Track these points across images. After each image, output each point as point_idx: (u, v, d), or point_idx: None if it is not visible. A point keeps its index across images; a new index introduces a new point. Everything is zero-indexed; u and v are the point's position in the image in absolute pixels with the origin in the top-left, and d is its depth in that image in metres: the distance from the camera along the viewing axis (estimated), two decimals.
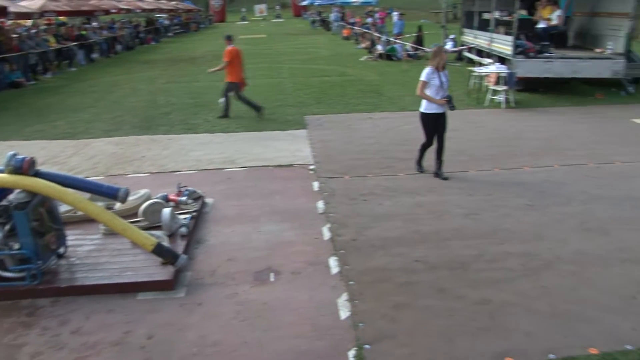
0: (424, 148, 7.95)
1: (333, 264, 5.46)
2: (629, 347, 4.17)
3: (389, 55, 21.15)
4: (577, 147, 9.41)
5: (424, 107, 7.62)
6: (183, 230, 5.95)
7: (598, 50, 14.83)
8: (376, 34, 24.48)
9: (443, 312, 4.63)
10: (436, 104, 7.48)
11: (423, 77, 7.44)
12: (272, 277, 5.23)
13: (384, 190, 7.43)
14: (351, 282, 5.10)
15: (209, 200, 7.14)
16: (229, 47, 11.44)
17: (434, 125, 7.63)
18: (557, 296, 4.88)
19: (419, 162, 8.11)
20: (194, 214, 6.46)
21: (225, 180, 7.95)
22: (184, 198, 6.70)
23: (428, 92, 7.45)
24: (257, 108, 11.60)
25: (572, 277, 5.20)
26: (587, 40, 16.36)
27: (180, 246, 5.65)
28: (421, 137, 7.93)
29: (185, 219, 6.18)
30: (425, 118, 7.66)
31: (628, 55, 14.16)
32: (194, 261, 5.57)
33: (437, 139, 7.78)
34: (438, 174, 7.83)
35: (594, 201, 7.06)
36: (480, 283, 5.09)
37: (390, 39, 23.22)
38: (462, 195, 7.25)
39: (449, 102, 7.42)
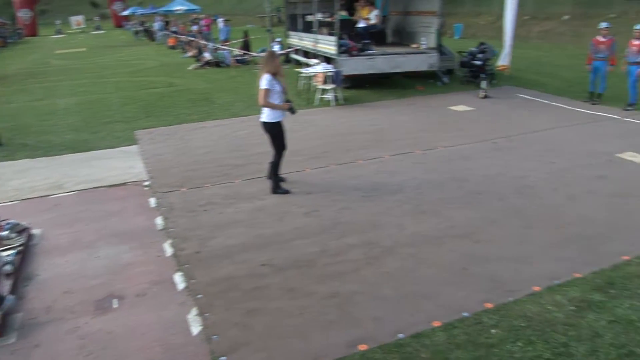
0: (280, 158, 7.41)
1: (179, 280, 5.21)
2: (465, 314, 4.51)
3: (217, 63, 20.93)
4: (405, 137, 9.93)
5: (270, 116, 7.15)
6: (7, 268, 5.31)
7: (414, 46, 15.86)
8: (203, 42, 24.11)
9: (295, 311, 4.62)
10: (281, 111, 7.19)
11: (265, 85, 6.92)
12: (115, 304, 4.85)
13: (222, 198, 7.26)
14: (199, 296, 4.90)
15: (35, 231, 6.45)
16: None
17: (283, 132, 7.35)
18: (400, 279, 5.08)
19: (278, 179, 7.52)
20: (20, 248, 5.81)
21: (53, 207, 7.25)
22: (5, 233, 6.00)
23: (271, 100, 7.20)
24: None
25: (411, 259, 5.45)
26: (403, 37, 17.46)
27: (5, 286, 5.03)
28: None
29: (9, 255, 5.53)
30: (274, 127, 7.25)
31: (440, 49, 15.33)
32: (25, 300, 5.00)
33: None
34: (274, 185, 7.54)
35: (424, 186, 7.48)
36: (327, 277, 5.14)
37: (218, 45, 23.00)
38: (300, 194, 7.29)
39: (291, 106, 7.28)
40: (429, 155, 8.87)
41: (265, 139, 7.44)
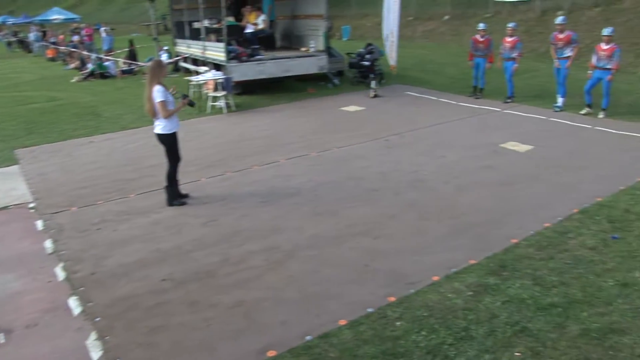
0: (176, 169, 7.17)
1: (74, 304, 4.92)
2: (370, 309, 4.61)
3: (102, 74, 20.11)
4: (299, 140, 10.01)
5: (166, 128, 6.89)
6: None
7: (303, 49, 16.05)
8: (85, 52, 23.06)
9: (200, 324, 4.52)
10: (176, 122, 6.99)
11: (161, 97, 6.68)
12: (1, 339, 4.50)
13: (116, 214, 6.96)
14: (98, 319, 4.66)
15: None
16: None
17: (178, 142, 7.11)
18: (303, 281, 5.10)
19: (178, 194, 7.30)
20: None
21: None
22: None
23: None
24: None
25: (313, 261, 5.49)
26: (292, 41, 17.62)
27: None
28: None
29: None
30: (171, 138, 7.00)
31: (329, 51, 15.61)
32: None
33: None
34: (177, 195, 7.36)
35: (321, 187, 7.56)
36: (231, 287, 5.07)
37: (101, 56, 22.10)
38: (197, 204, 7.15)
39: (190, 100, 7.13)
40: (324, 156, 8.99)
41: (158, 151, 7.24)
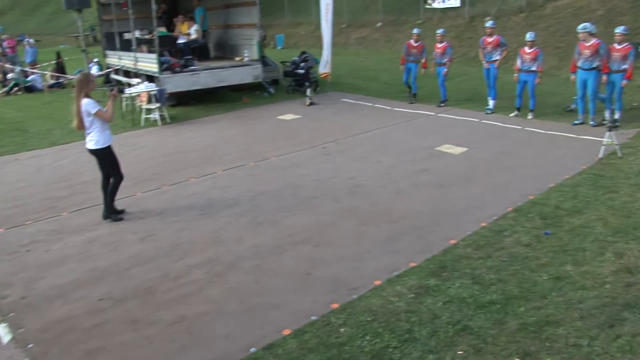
0: (119, 182, 7.00)
1: (3, 331, 4.69)
2: (314, 317, 4.61)
3: (28, 87, 19.36)
4: (236, 150, 9.95)
5: (100, 141, 6.72)
6: None
7: (237, 58, 15.97)
8: (8, 65, 22.12)
9: (141, 343, 4.41)
10: (109, 135, 6.85)
11: (95, 108, 6.58)
12: None
13: (48, 234, 6.70)
14: (30, 345, 4.46)
15: None
16: None
17: (115, 155, 6.96)
18: (246, 293, 5.07)
19: (115, 210, 7.10)
20: None
21: None
22: None
23: (101, 118, 6.73)
24: None
25: (254, 272, 5.46)
26: (226, 51, 17.50)
27: None
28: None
29: None
30: (107, 151, 6.84)
31: (263, 60, 15.59)
32: None
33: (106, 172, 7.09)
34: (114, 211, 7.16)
35: (260, 197, 7.54)
36: (171, 302, 4.98)
37: (27, 69, 21.29)
38: (134, 220, 6.98)
39: (115, 89, 7.04)
40: (261, 166, 8.97)
41: (91, 166, 7.04)
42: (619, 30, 10.00)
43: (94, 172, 7.04)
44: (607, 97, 10.24)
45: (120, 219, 7.01)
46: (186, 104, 14.38)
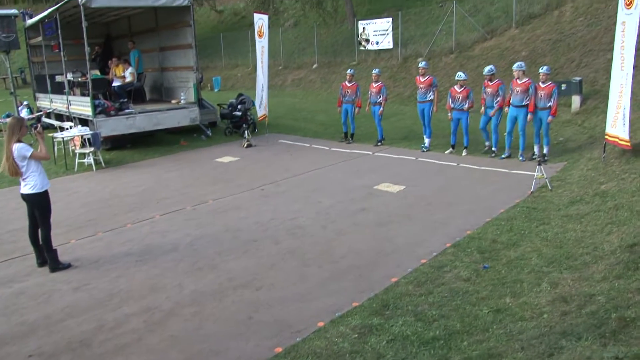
0: (49, 234, 6.70)
1: None
2: None
3: None
4: (174, 194, 9.81)
5: (38, 185, 6.50)
6: None
7: (174, 101, 15.87)
8: None
9: None
10: (46, 178, 6.65)
11: (28, 150, 6.38)
12: None
13: None
14: None
15: None
16: None
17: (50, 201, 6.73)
18: (186, 340, 4.95)
19: (57, 260, 6.79)
20: None
21: None
22: None
23: (34, 159, 6.51)
24: None
25: (195, 318, 5.35)
26: (163, 93, 17.40)
27: None
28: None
29: None
30: (45, 197, 6.61)
31: (200, 103, 15.57)
32: None
33: (34, 220, 6.81)
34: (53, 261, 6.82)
35: (198, 241, 7.44)
36: (108, 354, 4.80)
37: None
38: (68, 269, 6.72)
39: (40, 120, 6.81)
40: (200, 209, 8.87)
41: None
42: (542, 70, 10.48)
43: (23, 220, 6.76)
44: (536, 132, 10.69)
45: (69, 265, 6.78)
46: (122, 147, 14.11)
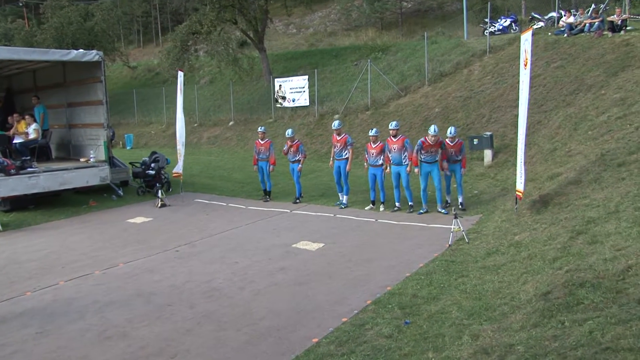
0: None
1: None
2: None
3: None
4: (81, 258, 9.17)
5: None
6: None
7: (83, 159, 15.13)
8: None
9: None
10: None
11: None
12: None
13: None
14: None
15: None
16: None
17: None
18: None
19: None
20: None
21: None
22: None
23: None
24: None
25: None
26: (71, 151, 16.58)
27: None
28: None
29: None
30: None
31: (111, 161, 14.93)
32: None
33: None
34: None
35: (108, 307, 6.91)
36: None
37: None
38: None
39: None
40: (109, 274, 8.30)
41: None
42: (450, 132, 11.27)
43: None
44: (447, 184, 11.30)
45: None
46: (23, 208, 13.19)
